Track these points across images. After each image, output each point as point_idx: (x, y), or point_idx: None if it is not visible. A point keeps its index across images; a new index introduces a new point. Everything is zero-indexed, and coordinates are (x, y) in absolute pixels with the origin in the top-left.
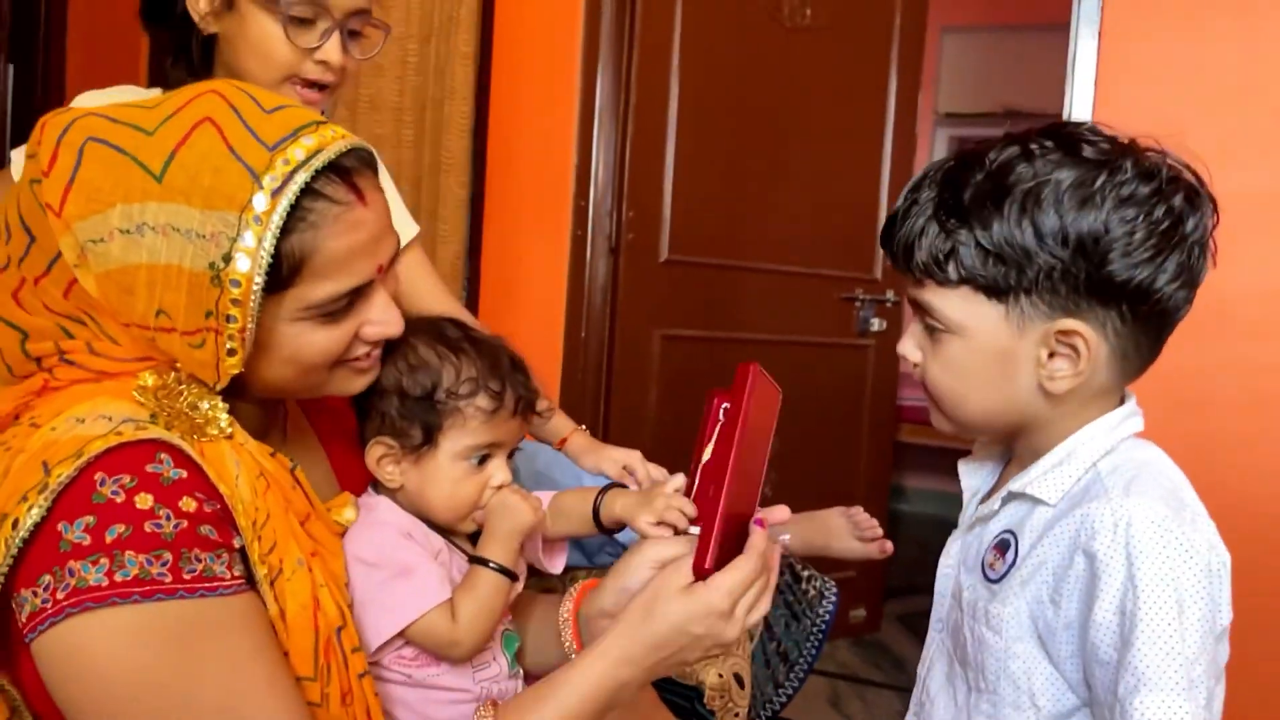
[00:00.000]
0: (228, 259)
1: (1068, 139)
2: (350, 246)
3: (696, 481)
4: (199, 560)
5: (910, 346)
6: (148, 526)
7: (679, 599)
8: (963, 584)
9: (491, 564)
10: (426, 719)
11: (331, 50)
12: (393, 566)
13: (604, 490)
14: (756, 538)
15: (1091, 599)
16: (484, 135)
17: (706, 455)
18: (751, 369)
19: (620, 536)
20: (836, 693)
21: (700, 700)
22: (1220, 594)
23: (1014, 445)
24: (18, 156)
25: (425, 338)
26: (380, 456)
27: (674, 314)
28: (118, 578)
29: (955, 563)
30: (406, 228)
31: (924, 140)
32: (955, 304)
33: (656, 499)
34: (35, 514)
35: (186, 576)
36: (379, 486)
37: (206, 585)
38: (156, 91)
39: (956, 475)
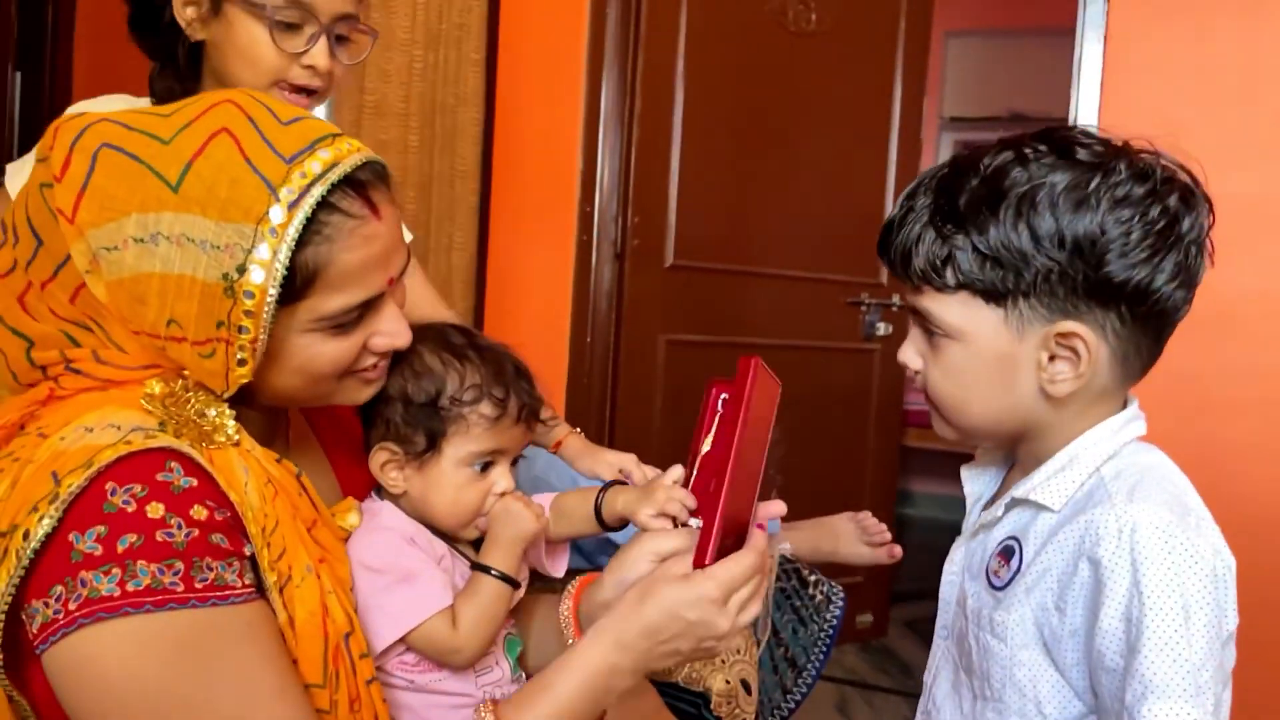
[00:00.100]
0: (242, 270)
1: (1061, 142)
2: (364, 260)
3: (695, 472)
4: (210, 569)
5: (910, 354)
6: (159, 536)
7: (673, 586)
8: (967, 591)
9: (494, 571)
10: None
11: (318, 55)
12: (395, 572)
13: (604, 488)
14: (757, 538)
15: (1097, 606)
16: (490, 141)
17: (706, 446)
18: (753, 362)
19: (616, 536)
20: (844, 698)
21: (707, 706)
22: (1226, 599)
23: (1017, 451)
24: (13, 170)
25: (430, 345)
26: (384, 462)
27: (679, 319)
28: (130, 587)
29: (959, 569)
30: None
31: (929, 145)
32: (954, 309)
33: (656, 491)
34: (46, 524)
35: (198, 585)
36: (382, 492)
37: (218, 594)
38: (146, 101)
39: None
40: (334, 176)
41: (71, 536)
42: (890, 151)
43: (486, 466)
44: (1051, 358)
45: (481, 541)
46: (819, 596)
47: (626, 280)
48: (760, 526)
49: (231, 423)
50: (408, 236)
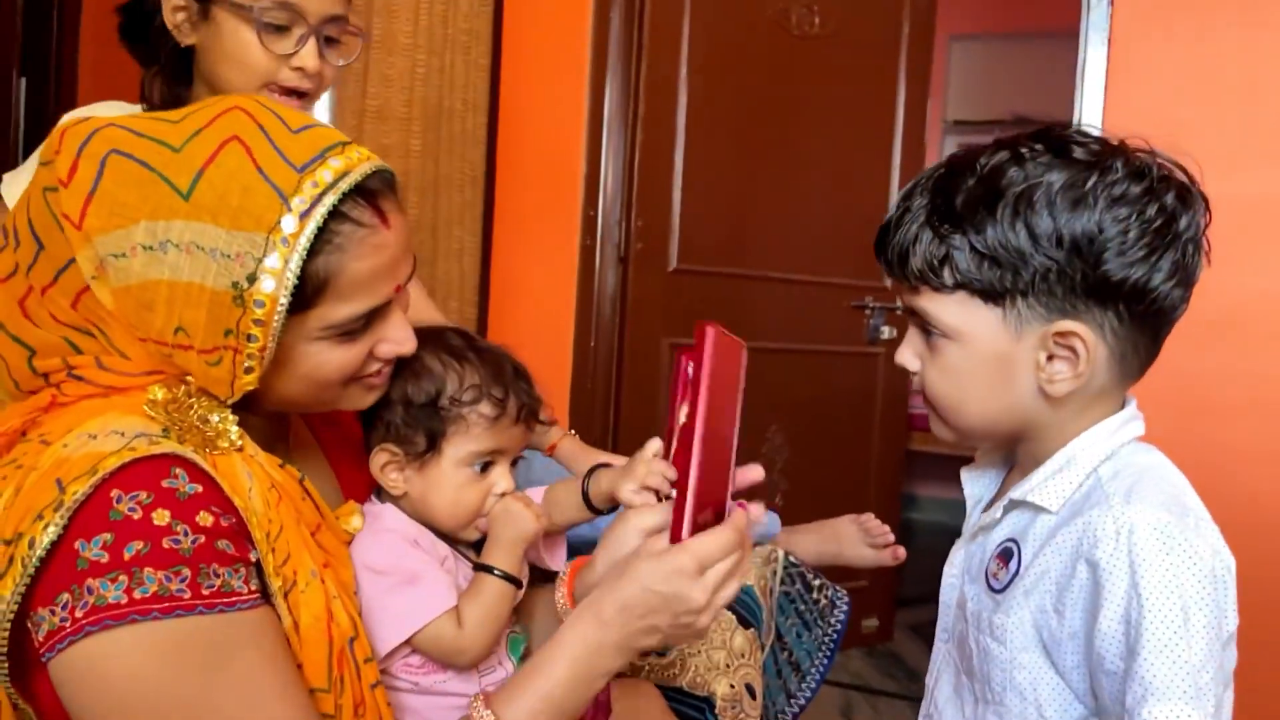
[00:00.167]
0: (252, 279)
1: (1057, 141)
2: (373, 268)
3: (675, 444)
4: (217, 575)
5: (908, 355)
6: (166, 543)
7: (647, 561)
8: (967, 594)
9: (496, 571)
10: None
11: (307, 56)
12: (400, 574)
13: (589, 473)
14: (737, 515)
15: (1096, 608)
16: (494, 146)
17: (682, 418)
18: (710, 328)
19: (600, 522)
20: (849, 703)
21: (711, 710)
22: (1225, 599)
23: (1015, 452)
24: (10, 179)
25: (430, 347)
26: (384, 464)
27: (683, 323)
28: (137, 595)
29: (959, 572)
30: None
31: (933, 148)
32: (952, 309)
33: (636, 466)
34: (52, 532)
35: (205, 592)
36: (381, 494)
37: (225, 600)
38: (139, 108)
39: None
40: (345, 186)
41: (77, 544)
42: (894, 155)
43: (486, 467)
44: (1050, 357)
45: (481, 544)
46: (823, 601)
47: (630, 284)
48: (742, 505)
49: (235, 428)
50: None
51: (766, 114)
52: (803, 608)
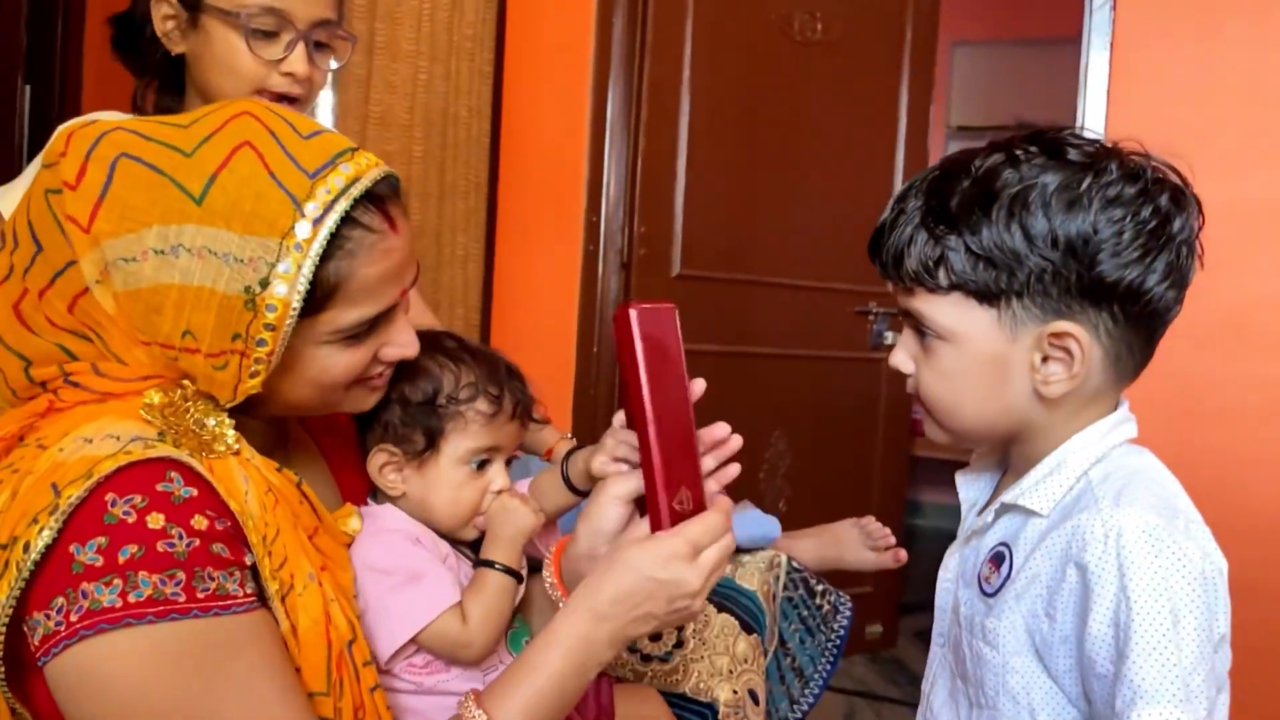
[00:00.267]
0: (265, 284)
1: (1052, 143)
2: (383, 273)
3: (633, 417)
4: (212, 579)
5: (902, 358)
6: (160, 546)
7: (639, 548)
8: (960, 599)
9: (497, 565)
10: None
11: (297, 61)
12: (403, 572)
13: (567, 456)
14: (720, 499)
15: (1085, 612)
16: (497, 152)
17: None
18: (631, 311)
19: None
20: (853, 709)
21: (715, 716)
22: (1216, 602)
23: (1010, 454)
24: (3, 192)
25: (425, 349)
26: (383, 464)
27: (686, 328)
28: (131, 598)
29: (954, 577)
30: None
31: (936, 154)
32: (947, 310)
33: (606, 440)
34: (46, 536)
35: (200, 595)
36: (379, 496)
37: (220, 604)
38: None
39: None
40: (356, 192)
41: (72, 548)
42: (897, 160)
43: (482, 465)
44: (1045, 358)
45: (479, 544)
46: (826, 606)
47: (633, 290)
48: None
49: (231, 432)
50: None
51: (769, 120)
52: (806, 613)
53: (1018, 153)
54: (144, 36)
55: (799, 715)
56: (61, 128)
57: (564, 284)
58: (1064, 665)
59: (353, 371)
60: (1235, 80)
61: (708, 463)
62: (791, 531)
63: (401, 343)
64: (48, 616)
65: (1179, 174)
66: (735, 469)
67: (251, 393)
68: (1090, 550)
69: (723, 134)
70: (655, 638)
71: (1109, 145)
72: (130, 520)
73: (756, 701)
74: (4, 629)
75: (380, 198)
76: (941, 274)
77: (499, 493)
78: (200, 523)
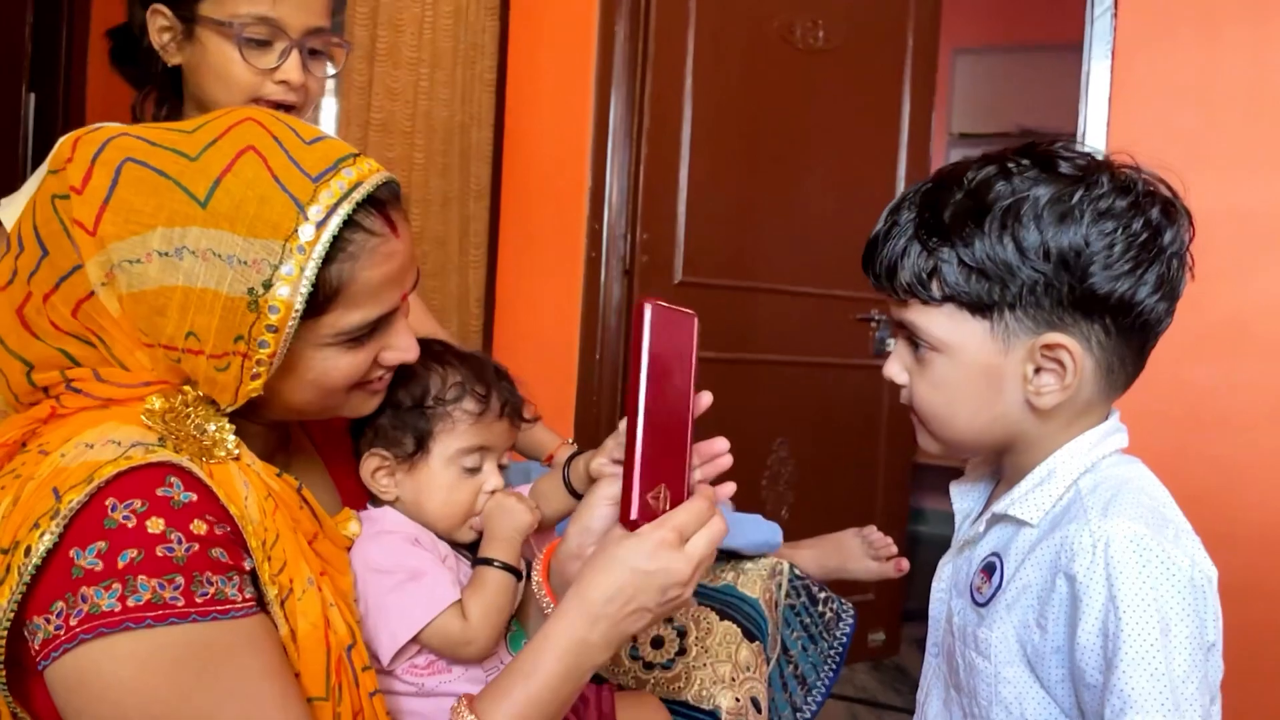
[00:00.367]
0: (268, 286)
1: (1044, 156)
2: (384, 276)
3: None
4: (211, 583)
5: (896, 369)
6: (159, 550)
7: (624, 543)
8: (953, 609)
9: (496, 563)
10: None
11: (290, 70)
12: (404, 571)
13: (568, 461)
14: (703, 488)
15: (1075, 622)
16: (499, 160)
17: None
18: (647, 306)
19: None
20: (855, 717)
21: None
22: (1205, 609)
23: (1002, 464)
24: (6, 203)
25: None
26: (375, 469)
27: None
28: (130, 602)
29: (947, 587)
30: None
31: (938, 161)
32: (940, 322)
33: (608, 441)
34: (47, 540)
35: (199, 600)
36: (377, 502)
37: (219, 608)
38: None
39: None
40: (359, 196)
41: (72, 552)
42: (899, 167)
43: (475, 466)
44: (1037, 370)
45: (477, 546)
46: (828, 614)
47: (635, 297)
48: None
49: (231, 437)
50: None
51: (771, 127)
52: (808, 620)
53: (1010, 165)
54: (141, 49)
55: None
56: (67, 135)
57: (566, 291)
58: (1057, 676)
59: (353, 374)
60: (1236, 87)
61: (697, 474)
62: (793, 541)
63: (402, 347)
64: (47, 620)
65: (1170, 187)
66: (730, 487)
67: (253, 395)
68: (1079, 561)
69: (725, 141)
70: (657, 645)
71: (1100, 158)
72: (130, 525)
73: (759, 709)
74: (5, 634)
75: (381, 202)
76: (934, 286)
77: (493, 493)
78: (199, 527)
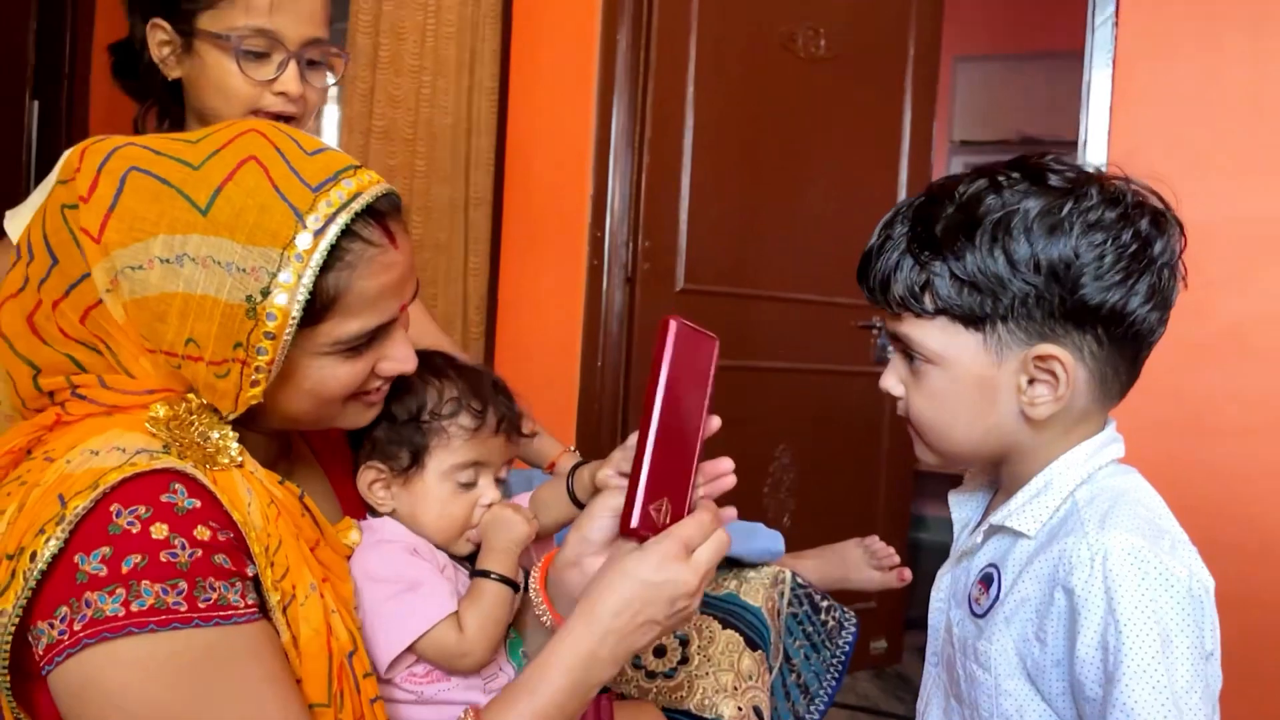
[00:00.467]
0: (266, 293)
1: (1034, 170)
2: (381, 286)
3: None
4: (213, 589)
5: (892, 381)
6: (163, 556)
7: (630, 556)
8: (952, 619)
9: (493, 575)
10: None
11: (289, 81)
12: (401, 581)
13: (573, 470)
14: (706, 502)
15: (1074, 635)
16: (501, 167)
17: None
18: (672, 323)
19: None
20: None
21: None
22: (1203, 619)
23: (1000, 474)
24: (11, 215)
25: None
26: (371, 481)
27: None
28: (134, 608)
29: (945, 597)
30: None
31: (939, 168)
32: (934, 335)
33: (615, 453)
34: (52, 546)
35: (201, 605)
36: (376, 512)
37: (221, 614)
38: None
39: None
40: (357, 206)
41: (77, 558)
42: (900, 175)
43: (470, 480)
44: (1031, 381)
45: (476, 557)
46: (831, 622)
47: (637, 304)
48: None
49: (234, 444)
50: None
51: (773, 136)
52: (810, 629)
53: (1000, 179)
54: (142, 63)
55: None
56: (75, 146)
57: (568, 299)
58: (1057, 688)
59: (350, 384)
60: (1237, 96)
61: (700, 492)
62: (795, 552)
63: (399, 357)
64: (51, 625)
65: (1161, 197)
66: (732, 512)
67: (253, 402)
68: (1077, 574)
69: (726, 149)
70: (659, 653)
71: (1090, 170)
72: (134, 531)
73: (761, 718)
74: (10, 639)
75: (381, 213)
76: (927, 299)
77: (489, 506)
78: (203, 533)
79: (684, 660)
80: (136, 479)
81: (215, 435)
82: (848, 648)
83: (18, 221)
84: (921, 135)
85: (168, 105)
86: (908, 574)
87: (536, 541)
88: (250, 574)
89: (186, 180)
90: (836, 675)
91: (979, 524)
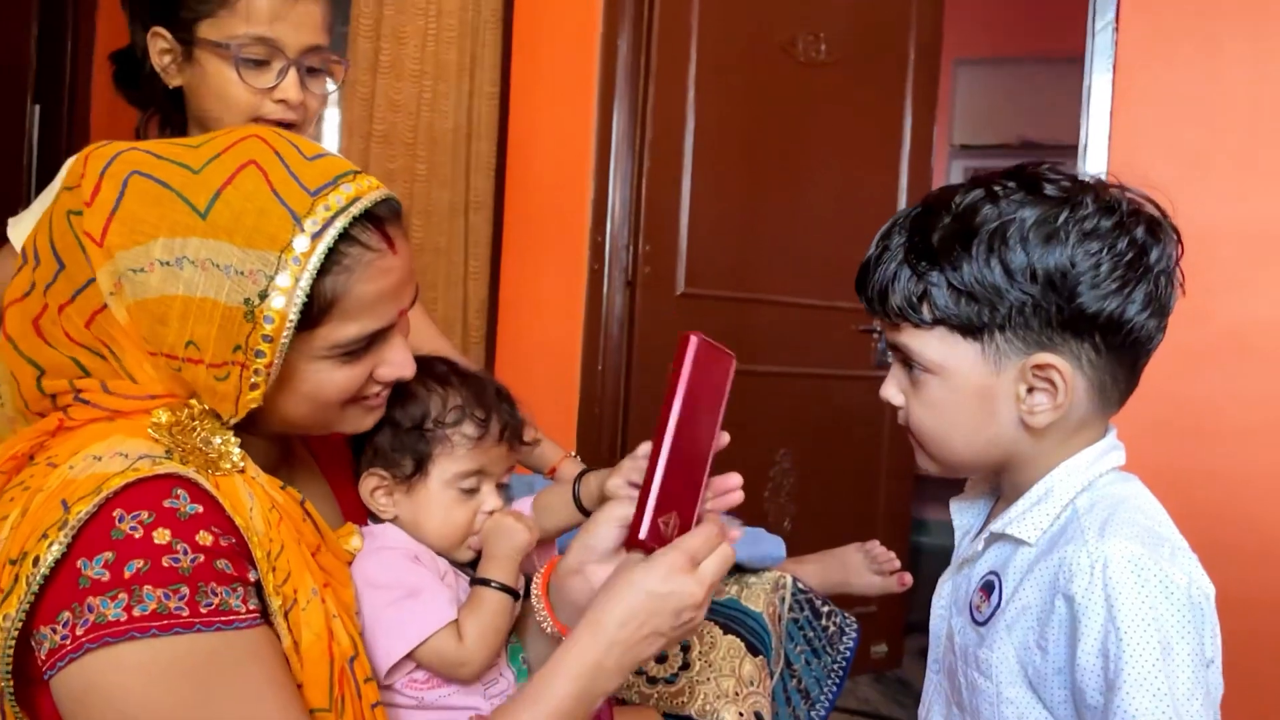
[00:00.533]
0: (263, 296)
1: (1029, 179)
2: (379, 291)
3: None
4: (215, 594)
5: (892, 390)
6: (165, 561)
7: (637, 568)
8: (954, 627)
9: (494, 583)
10: None
11: (289, 89)
12: (401, 588)
13: (579, 476)
14: (712, 515)
15: (1075, 643)
16: (502, 171)
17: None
18: (693, 338)
19: None
20: None
21: None
22: (1204, 626)
23: (1001, 482)
24: (14, 223)
25: (416, 373)
26: (374, 488)
27: None
28: (136, 612)
29: (947, 604)
30: None
31: (939, 172)
32: (932, 345)
33: (625, 463)
34: (55, 550)
35: (203, 610)
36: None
37: (223, 619)
38: None
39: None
40: (356, 210)
41: (80, 563)
42: (901, 179)
43: (473, 488)
44: (1030, 389)
45: (477, 564)
46: (832, 628)
47: (638, 308)
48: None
49: (236, 450)
50: None
51: (773, 140)
52: (811, 635)
53: (996, 189)
54: (144, 72)
55: None
56: (79, 153)
57: (569, 302)
58: (1059, 696)
59: (348, 389)
60: (1237, 100)
61: (707, 506)
62: (796, 557)
63: (397, 363)
64: (54, 630)
65: (1158, 205)
66: (739, 533)
67: (253, 406)
68: (1077, 582)
69: (727, 153)
70: (661, 659)
71: (1085, 180)
72: (137, 536)
73: None
74: (13, 643)
75: (379, 218)
76: (925, 309)
77: (491, 513)
78: (205, 539)
79: (685, 666)
80: (139, 484)
81: (217, 440)
82: (849, 653)
83: (20, 228)
84: (922, 139)
85: (169, 113)
86: (908, 578)
87: (538, 546)
88: (252, 579)
89: (187, 184)
90: (837, 681)
91: (980, 531)
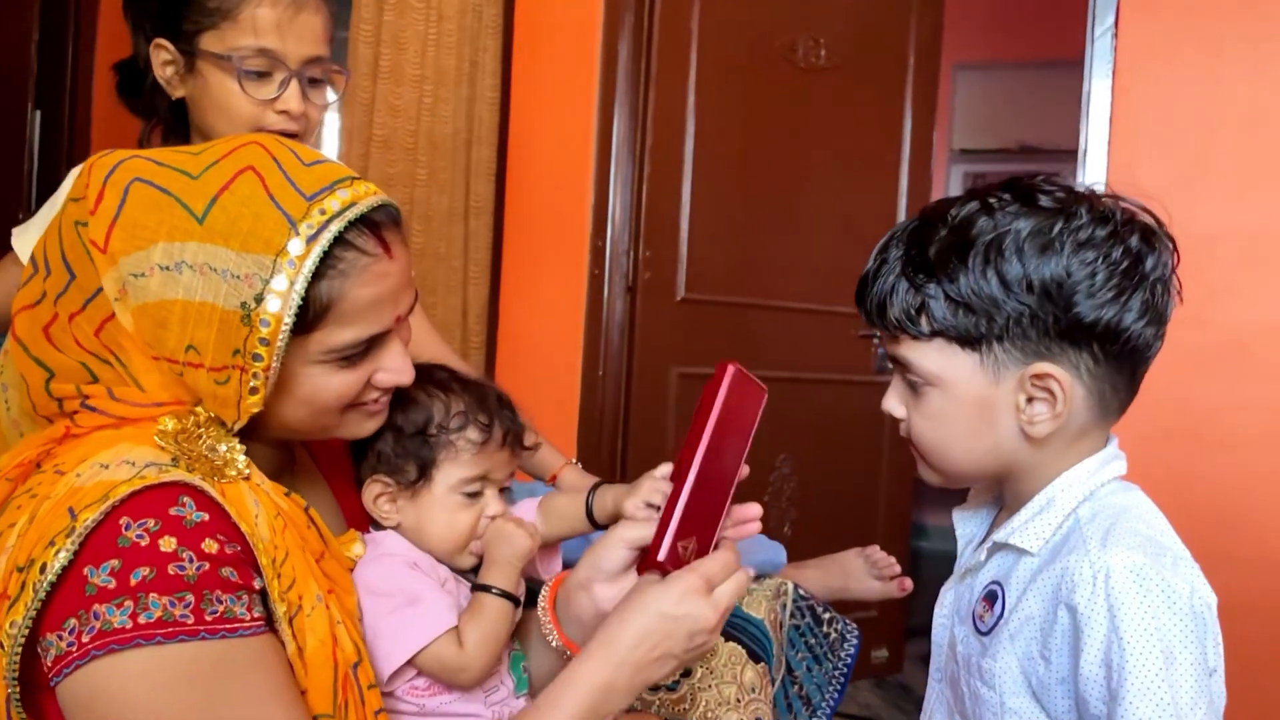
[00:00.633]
0: (259, 299)
1: (1024, 190)
2: (375, 296)
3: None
4: (220, 602)
5: (893, 402)
6: (171, 569)
7: (653, 588)
8: (956, 636)
9: (494, 589)
10: None
11: (290, 99)
12: (402, 595)
13: (594, 488)
14: (728, 542)
15: (1077, 653)
16: (503, 177)
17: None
18: (730, 368)
19: (595, 536)
20: None
21: None
22: (1206, 635)
23: (1003, 492)
24: (19, 233)
25: (417, 381)
26: (377, 495)
27: (691, 352)
28: (141, 620)
29: (949, 613)
30: None
31: (939, 177)
32: (931, 356)
33: (644, 483)
34: (62, 558)
35: (208, 618)
36: (379, 526)
37: (228, 626)
38: None
39: None
40: (351, 215)
41: (86, 570)
42: (900, 184)
43: (476, 493)
44: (1029, 399)
45: (478, 570)
46: (833, 634)
47: (638, 313)
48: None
49: (242, 457)
50: None
51: (773, 145)
52: (813, 641)
53: (991, 201)
54: (146, 82)
55: None
56: (84, 163)
57: (569, 308)
58: (1063, 706)
59: (346, 395)
60: (1237, 106)
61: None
62: (796, 562)
63: (396, 369)
64: (60, 637)
65: (1153, 214)
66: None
67: (254, 410)
68: (1080, 592)
69: (727, 158)
70: None
71: (1080, 190)
72: (143, 543)
73: None
74: (20, 650)
75: (376, 223)
76: (923, 321)
77: (494, 518)
78: (211, 546)
79: (686, 673)
80: (145, 492)
81: (223, 448)
82: (850, 660)
83: (25, 239)
84: (921, 144)
85: (171, 124)
86: (909, 583)
87: (540, 551)
88: (257, 586)
89: (185, 189)
90: (838, 688)
91: (983, 541)
